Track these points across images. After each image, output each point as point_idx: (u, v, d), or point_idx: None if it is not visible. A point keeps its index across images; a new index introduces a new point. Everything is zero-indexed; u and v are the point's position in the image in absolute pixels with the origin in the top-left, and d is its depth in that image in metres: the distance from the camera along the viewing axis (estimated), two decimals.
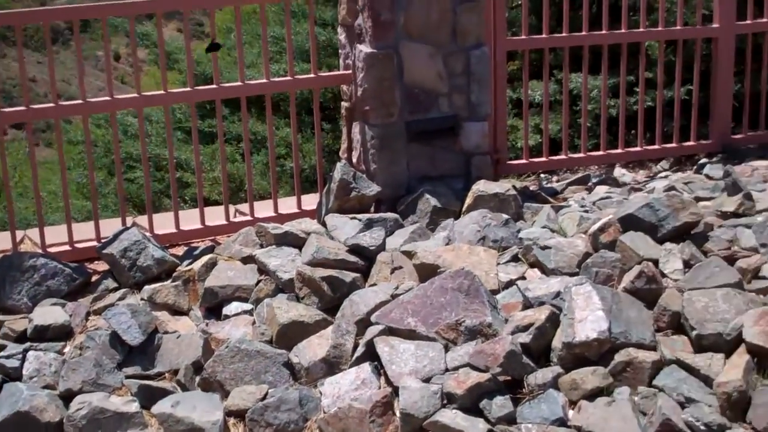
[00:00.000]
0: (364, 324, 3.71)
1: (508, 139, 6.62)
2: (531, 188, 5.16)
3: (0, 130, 4.91)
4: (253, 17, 8.83)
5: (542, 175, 5.87)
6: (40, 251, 4.55)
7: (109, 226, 4.86)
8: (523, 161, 5.41)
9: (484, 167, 4.93)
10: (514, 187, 4.64)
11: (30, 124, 4.83)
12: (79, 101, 4.70)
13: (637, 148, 5.61)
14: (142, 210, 6.77)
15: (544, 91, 5.44)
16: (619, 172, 5.77)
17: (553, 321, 3.34)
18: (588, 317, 3.24)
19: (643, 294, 3.48)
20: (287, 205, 5.18)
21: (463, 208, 4.53)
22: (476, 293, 3.60)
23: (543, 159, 5.45)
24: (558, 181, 5.68)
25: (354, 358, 3.58)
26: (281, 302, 3.92)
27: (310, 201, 5.17)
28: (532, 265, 3.90)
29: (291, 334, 3.80)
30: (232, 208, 5.61)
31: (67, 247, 4.66)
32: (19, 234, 5.17)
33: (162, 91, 4.80)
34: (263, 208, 5.16)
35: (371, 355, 3.54)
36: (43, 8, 4.55)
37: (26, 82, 4.79)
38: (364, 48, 4.70)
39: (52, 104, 4.64)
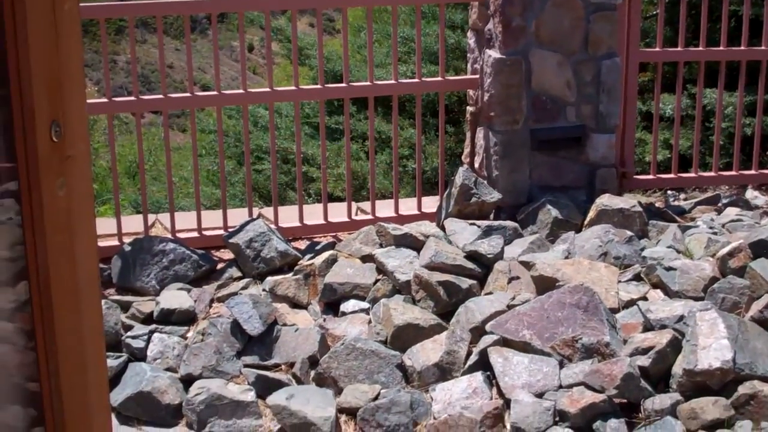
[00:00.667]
0: (478, 332, 3.71)
1: (635, 152, 6.50)
2: (657, 205, 5.05)
3: (137, 117, 5.11)
4: (385, 15, 8.91)
5: (669, 192, 5.73)
6: (170, 236, 4.73)
7: (236, 215, 5.02)
8: (650, 177, 5.29)
9: (609, 180, 4.86)
10: (639, 203, 4.55)
11: (166, 112, 5.03)
12: (214, 93, 4.87)
13: None
14: (268, 201, 6.94)
15: (676, 106, 5.30)
16: (751, 194, 5.57)
17: (675, 346, 3.26)
18: (712, 345, 3.15)
19: None
20: (407, 206, 5.23)
21: (585, 222, 4.47)
22: (595, 310, 3.55)
23: (671, 176, 5.32)
24: (686, 199, 5.52)
25: (467, 365, 3.59)
26: (397, 303, 3.96)
27: (430, 203, 5.20)
28: (654, 286, 3.82)
29: (405, 336, 3.83)
30: (354, 206, 5.71)
31: (195, 234, 4.83)
32: (151, 218, 5.41)
33: (293, 87, 4.91)
34: (384, 208, 5.22)
35: (484, 364, 3.54)
36: (183, 0, 4.70)
37: (164, 71, 4.97)
38: (493, 53, 4.69)
39: (188, 94, 4.82)
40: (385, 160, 7.33)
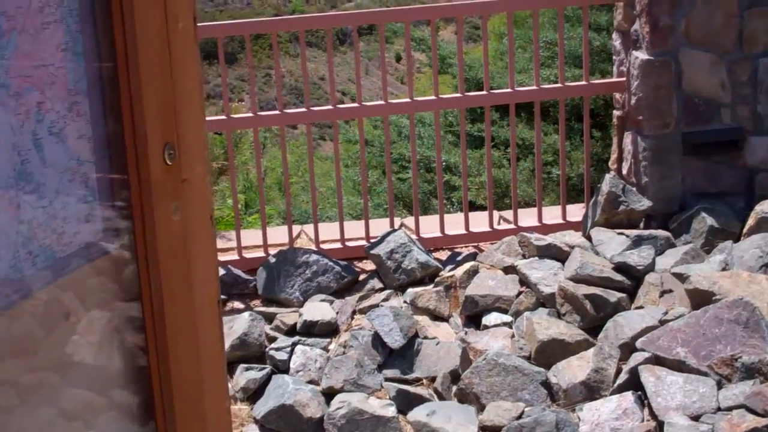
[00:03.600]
0: (628, 349, 3.53)
1: None
2: None
3: (282, 130, 5.16)
4: (529, 20, 8.73)
5: None
6: (314, 247, 4.76)
7: (379, 225, 4.99)
8: None
9: None
10: None
11: (309, 125, 5.07)
12: (355, 105, 4.88)
13: None
14: (412, 210, 6.93)
15: None
16: None
17: None
18: None
19: None
20: (552, 214, 5.07)
21: (744, 230, 4.19)
22: (756, 327, 3.31)
23: None
24: None
25: (616, 384, 3.41)
26: (541, 318, 3.83)
27: (575, 211, 5.03)
28: None
29: (550, 352, 3.69)
30: (496, 215, 5.59)
31: (338, 245, 4.85)
32: (297, 229, 5.47)
33: (433, 97, 4.85)
34: (527, 217, 5.09)
35: (634, 383, 3.36)
36: (326, 14, 4.75)
37: (308, 86, 5.02)
38: (640, 55, 4.48)
39: (330, 107, 4.84)
40: (528, 167, 7.17)
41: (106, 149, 1.02)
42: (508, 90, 4.87)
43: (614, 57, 4.90)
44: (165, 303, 1.03)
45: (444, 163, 7.20)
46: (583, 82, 4.84)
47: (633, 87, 4.57)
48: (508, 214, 5.21)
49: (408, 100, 4.86)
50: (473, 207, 6.34)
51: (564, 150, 4.99)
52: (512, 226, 4.90)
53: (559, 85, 4.83)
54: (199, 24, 4.84)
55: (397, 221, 5.60)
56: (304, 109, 4.82)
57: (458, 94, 4.89)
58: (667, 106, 4.48)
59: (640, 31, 4.51)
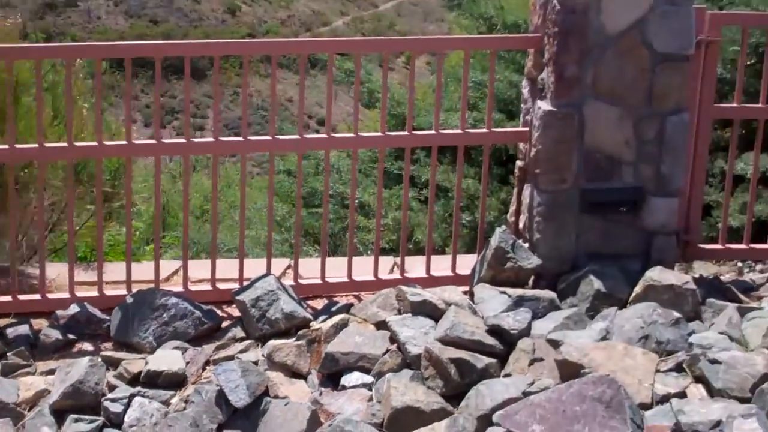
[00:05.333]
0: (486, 421, 3.22)
1: (710, 217, 5.86)
2: (725, 278, 4.43)
3: (186, 159, 4.76)
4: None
5: (746, 263, 5.07)
6: (179, 288, 4.41)
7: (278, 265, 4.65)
8: (718, 246, 4.65)
9: (667, 250, 4.28)
10: (696, 278, 3.96)
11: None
12: (268, 137, 4.49)
13: None
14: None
15: (753, 167, 4.67)
16: None
17: None
18: None
19: None
20: (445, 265, 4.75)
21: (631, 298, 3.91)
22: (619, 407, 3.00)
23: (742, 246, 4.66)
24: (762, 272, 4.86)
25: None
26: (399, 382, 3.50)
27: (471, 264, 4.70)
28: (697, 379, 3.23)
29: (404, 421, 3.36)
30: (391, 261, 5.28)
31: (208, 287, 4.50)
32: (174, 266, 5.12)
33: (352, 135, 4.53)
34: (421, 266, 4.75)
35: None
36: (302, 40, 4.52)
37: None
38: (544, 105, 4.21)
39: (240, 138, 4.44)
40: (437, 212, 6.87)
41: None
42: (432, 132, 4.57)
43: (522, 105, 4.62)
44: None
45: (357, 201, 6.91)
46: (484, 130, 4.56)
47: (534, 138, 4.30)
48: (411, 261, 4.89)
49: (325, 136, 4.52)
50: (382, 251, 6.03)
51: (459, 196, 4.66)
52: (398, 276, 4.58)
53: (459, 131, 4.54)
54: (170, 42, 4.40)
55: (285, 262, 5.29)
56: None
57: (379, 133, 4.58)
58: (567, 161, 4.21)
59: (546, 81, 4.25)
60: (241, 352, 3.94)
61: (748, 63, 5.95)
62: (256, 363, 3.83)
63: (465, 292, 4.21)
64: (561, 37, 4.13)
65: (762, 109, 4.56)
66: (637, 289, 3.89)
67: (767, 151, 5.62)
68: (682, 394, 3.15)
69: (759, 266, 4.94)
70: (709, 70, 4.47)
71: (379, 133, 4.55)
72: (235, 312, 4.35)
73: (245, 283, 4.31)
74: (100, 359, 3.84)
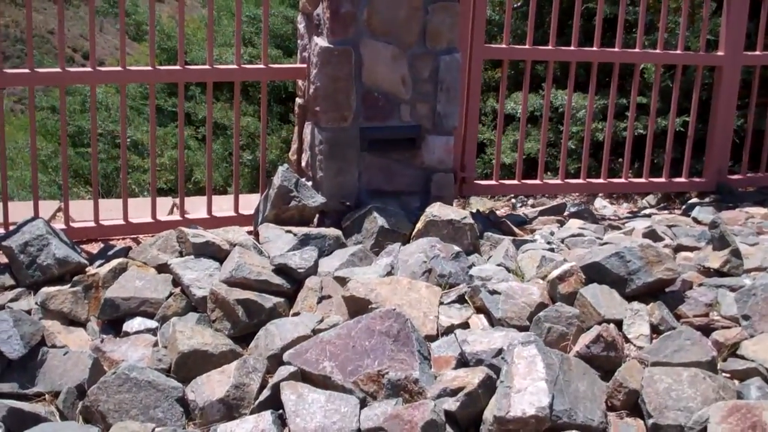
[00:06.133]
0: (276, 361, 3.20)
1: (484, 155, 6.13)
2: (499, 213, 4.65)
3: None
4: None
5: (516, 199, 5.36)
6: None
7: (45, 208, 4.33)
8: (493, 182, 4.87)
9: (445, 186, 4.42)
10: (473, 213, 4.13)
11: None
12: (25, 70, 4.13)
13: (622, 180, 5.09)
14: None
15: (522, 107, 4.91)
16: (600, 203, 5.27)
17: (488, 387, 2.82)
18: (528, 388, 2.73)
19: (600, 362, 2.98)
20: (228, 205, 4.66)
21: (413, 233, 4.01)
22: (406, 340, 3.09)
23: (515, 182, 4.92)
24: (533, 206, 5.16)
25: (256, 403, 3.06)
26: (185, 326, 3.40)
27: (254, 203, 4.65)
28: (478, 310, 3.39)
29: (192, 365, 3.28)
30: (170, 202, 5.12)
31: None
32: None
33: (119, 68, 4.25)
34: (202, 206, 4.64)
35: (276, 401, 3.02)
36: None
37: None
38: (321, 42, 4.18)
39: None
40: (216, 150, 6.73)
41: None
42: (206, 67, 4.38)
43: (298, 42, 4.57)
44: None
45: (129, 140, 6.61)
46: (261, 66, 4.46)
47: (312, 75, 4.26)
48: (190, 201, 4.74)
49: (90, 69, 4.21)
50: (158, 192, 5.81)
51: (237, 133, 4.55)
52: (178, 217, 4.44)
53: (234, 66, 4.42)
54: None
55: (56, 205, 4.98)
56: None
57: (148, 67, 4.33)
58: (346, 99, 4.21)
59: (322, 17, 4.21)
60: (12, 301, 3.68)
61: (515, 6, 6.22)
62: (29, 312, 3.60)
63: (249, 233, 4.16)
64: None
65: (529, 50, 4.79)
66: (419, 224, 3.99)
67: (535, 91, 5.93)
68: (465, 325, 3.28)
69: (531, 201, 5.24)
70: (479, 12, 4.62)
71: (149, 67, 4.34)
72: (1, 259, 4.05)
73: (11, 228, 4.01)
74: None
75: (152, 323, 3.56)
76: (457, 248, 3.73)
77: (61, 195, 6.37)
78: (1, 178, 4.28)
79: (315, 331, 3.29)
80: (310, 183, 4.31)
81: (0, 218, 4.21)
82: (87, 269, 3.88)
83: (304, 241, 3.91)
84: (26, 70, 4.14)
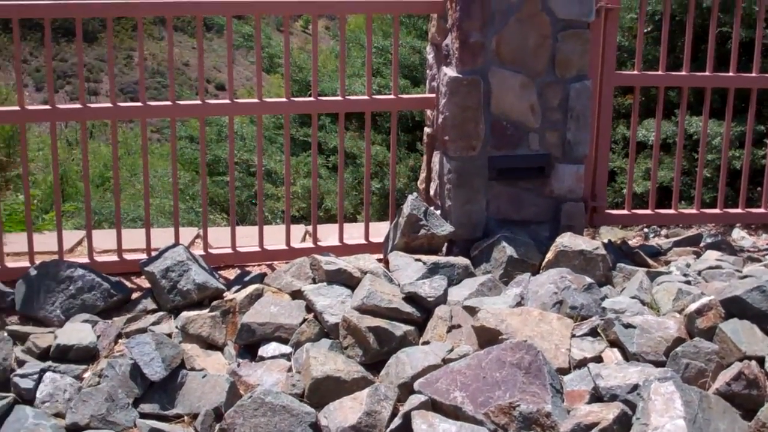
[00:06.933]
0: (407, 389, 3.23)
1: (614, 183, 6.03)
2: (631, 243, 4.56)
3: (83, 126, 4.55)
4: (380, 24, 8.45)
5: (648, 229, 5.24)
6: (85, 259, 4.26)
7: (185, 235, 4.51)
8: (624, 212, 4.78)
9: (575, 216, 4.37)
10: (605, 243, 4.06)
11: (114, 123, 4.49)
12: (168, 102, 4.33)
13: (761, 210, 4.90)
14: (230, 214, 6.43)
15: (655, 134, 4.81)
16: (738, 234, 5.09)
17: (623, 423, 2.77)
18: (665, 426, 2.66)
19: (741, 400, 2.88)
20: (358, 233, 4.74)
21: (543, 263, 3.98)
22: (538, 373, 3.06)
23: (648, 212, 4.81)
24: (667, 236, 5.02)
25: (388, 430, 3.09)
26: (318, 352, 3.47)
27: (384, 231, 4.70)
28: (612, 344, 3.33)
29: (324, 390, 3.35)
30: (303, 230, 5.24)
31: (115, 257, 4.37)
32: (77, 236, 4.95)
33: (256, 100, 4.42)
34: (333, 234, 4.73)
35: (407, 430, 3.05)
36: (198, 1, 4.21)
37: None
38: (449, 71, 4.22)
39: (139, 104, 4.30)
40: (347, 179, 6.85)
41: None
42: (338, 98, 4.51)
43: (427, 71, 4.63)
44: None
45: (264, 168, 6.80)
46: (391, 96, 4.54)
47: (441, 105, 4.30)
48: (323, 229, 4.84)
49: (228, 101, 4.37)
50: (292, 219, 5.95)
51: (368, 163, 4.63)
52: (311, 245, 4.55)
53: (366, 97, 4.51)
54: (59, 2, 4.08)
55: (194, 231, 5.18)
56: (110, 105, 4.28)
57: (284, 99, 4.48)
58: (474, 128, 4.23)
59: (451, 47, 4.25)
60: (154, 324, 3.85)
61: (646, 31, 6.11)
62: (169, 335, 3.75)
63: (379, 260, 4.21)
64: (463, 2, 4.13)
65: (662, 76, 4.70)
66: (549, 255, 3.96)
67: (668, 118, 5.81)
68: (598, 359, 3.23)
69: (664, 231, 5.11)
70: (609, 38, 4.56)
71: (284, 99, 4.47)
72: (143, 283, 4.25)
73: (153, 254, 4.20)
74: (6, 334, 3.69)
75: (286, 348, 3.65)
76: (588, 279, 3.69)
77: (198, 222, 6.63)
78: (145, 206, 4.49)
79: (445, 361, 3.31)
80: (438, 212, 4.34)
81: (143, 244, 4.41)
82: (224, 294, 4.02)
83: (433, 270, 3.94)
84: (168, 103, 4.34)
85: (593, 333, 3.39)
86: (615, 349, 3.28)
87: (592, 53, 4.42)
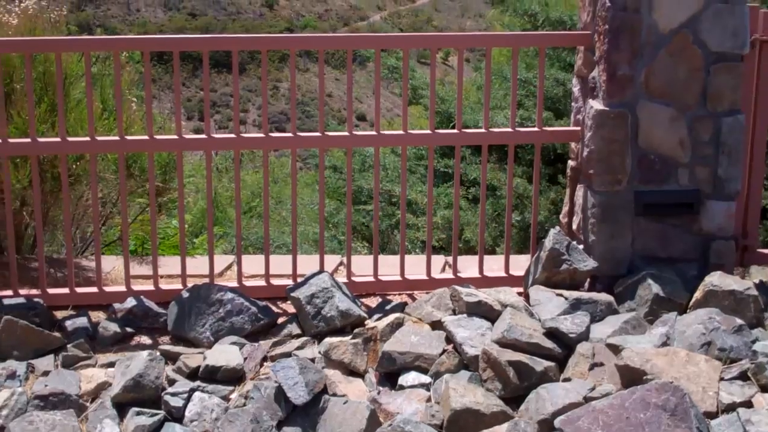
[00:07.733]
0: (547, 426, 3.21)
1: (767, 221, 5.80)
2: None
3: (237, 157, 4.77)
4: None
5: None
6: (235, 283, 4.44)
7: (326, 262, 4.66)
8: None
9: (726, 254, 4.23)
10: (757, 284, 3.91)
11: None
12: (318, 134, 4.50)
13: None
14: (371, 242, 6.60)
15: None
16: None
17: None
18: None
19: None
20: (498, 265, 4.74)
21: (691, 303, 3.87)
22: (684, 415, 2.98)
23: None
24: None
25: None
26: (458, 383, 3.49)
27: (525, 264, 4.68)
28: (763, 389, 3.20)
29: (463, 423, 3.36)
30: (442, 260, 5.28)
31: (262, 282, 4.53)
32: (226, 261, 5.16)
33: (401, 132, 4.52)
34: (472, 265, 4.75)
35: None
36: (348, 35, 4.42)
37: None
38: (596, 104, 4.19)
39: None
40: (487, 211, 6.85)
41: None
42: (482, 130, 4.56)
43: (572, 104, 4.60)
44: None
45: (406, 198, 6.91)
46: (535, 129, 4.54)
47: (586, 138, 4.27)
48: (462, 260, 4.88)
49: (374, 133, 4.49)
50: (435, 249, 6.01)
51: (510, 195, 4.63)
52: (450, 275, 4.58)
53: (509, 130, 4.52)
54: (218, 36, 4.34)
55: (337, 259, 5.30)
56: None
57: (428, 131, 4.56)
58: (620, 162, 4.18)
59: (598, 79, 4.22)
60: (298, 348, 3.96)
61: None
62: (312, 360, 3.85)
63: (519, 294, 4.20)
64: (612, 35, 4.10)
65: None
66: (697, 294, 3.85)
67: None
68: (748, 404, 3.12)
69: None
70: (764, 70, 4.41)
71: (428, 131, 4.54)
72: (288, 308, 4.38)
73: (299, 280, 4.33)
74: (158, 353, 3.87)
75: (426, 378, 3.69)
76: (739, 321, 3.56)
77: (340, 249, 6.78)
78: (292, 234, 4.63)
79: (587, 399, 3.26)
80: (581, 246, 4.30)
81: (289, 270, 4.55)
82: (366, 322, 4.09)
83: (575, 306, 3.90)
84: (318, 134, 4.48)
85: (743, 377, 3.27)
86: (766, 395, 3.16)
87: (745, 86, 4.29)
